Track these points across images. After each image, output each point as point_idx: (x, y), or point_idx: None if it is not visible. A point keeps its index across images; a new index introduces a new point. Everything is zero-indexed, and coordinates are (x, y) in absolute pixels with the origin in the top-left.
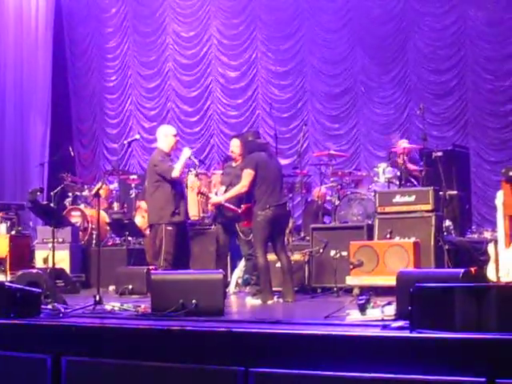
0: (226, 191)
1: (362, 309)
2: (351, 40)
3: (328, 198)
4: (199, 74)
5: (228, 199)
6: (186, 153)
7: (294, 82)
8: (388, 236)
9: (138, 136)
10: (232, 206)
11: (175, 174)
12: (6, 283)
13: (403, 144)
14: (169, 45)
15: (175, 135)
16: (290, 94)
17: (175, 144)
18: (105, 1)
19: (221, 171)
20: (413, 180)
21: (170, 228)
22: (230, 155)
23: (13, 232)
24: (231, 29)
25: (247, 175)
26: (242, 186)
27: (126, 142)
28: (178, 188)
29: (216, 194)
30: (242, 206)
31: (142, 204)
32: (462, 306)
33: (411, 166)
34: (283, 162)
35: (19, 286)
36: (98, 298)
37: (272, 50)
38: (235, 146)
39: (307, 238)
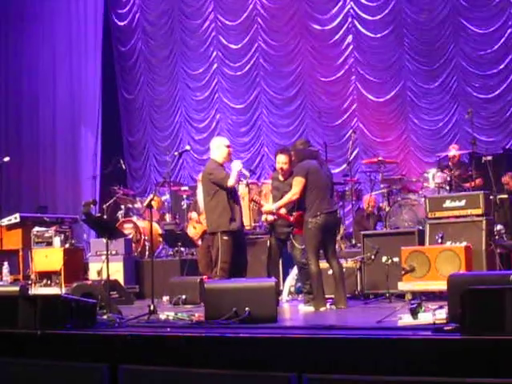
0: None
1: (414, 313)
2: (398, 46)
3: (378, 204)
4: (247, 85)
5: (280, 207)
6: (237, 166)
7: (342, 90)
8: (439, 241)
9: (188, 147)
10: (284, 214)
11: (231, 183)
12: (62, 294)
13: (453, 149)
14: (216, 57)
15: (228, 146)
16: (339, 102)
17: (228, 155)
18: (151, 15)
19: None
20: (463, 184)
21: (225, 238)
22: None
23: (67, 245)
24: (278, 39)
25: (298, 183)
26: (293, 194)
27: (176, 153)
28: (233, 196)
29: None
30: (294, 213)
31: (193, 215)
32: None
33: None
34: (333, 170)
35: (75, 297)
36: (152, 307)
37: (319, 59)
38: (283, 162)
39: (358, 244)
